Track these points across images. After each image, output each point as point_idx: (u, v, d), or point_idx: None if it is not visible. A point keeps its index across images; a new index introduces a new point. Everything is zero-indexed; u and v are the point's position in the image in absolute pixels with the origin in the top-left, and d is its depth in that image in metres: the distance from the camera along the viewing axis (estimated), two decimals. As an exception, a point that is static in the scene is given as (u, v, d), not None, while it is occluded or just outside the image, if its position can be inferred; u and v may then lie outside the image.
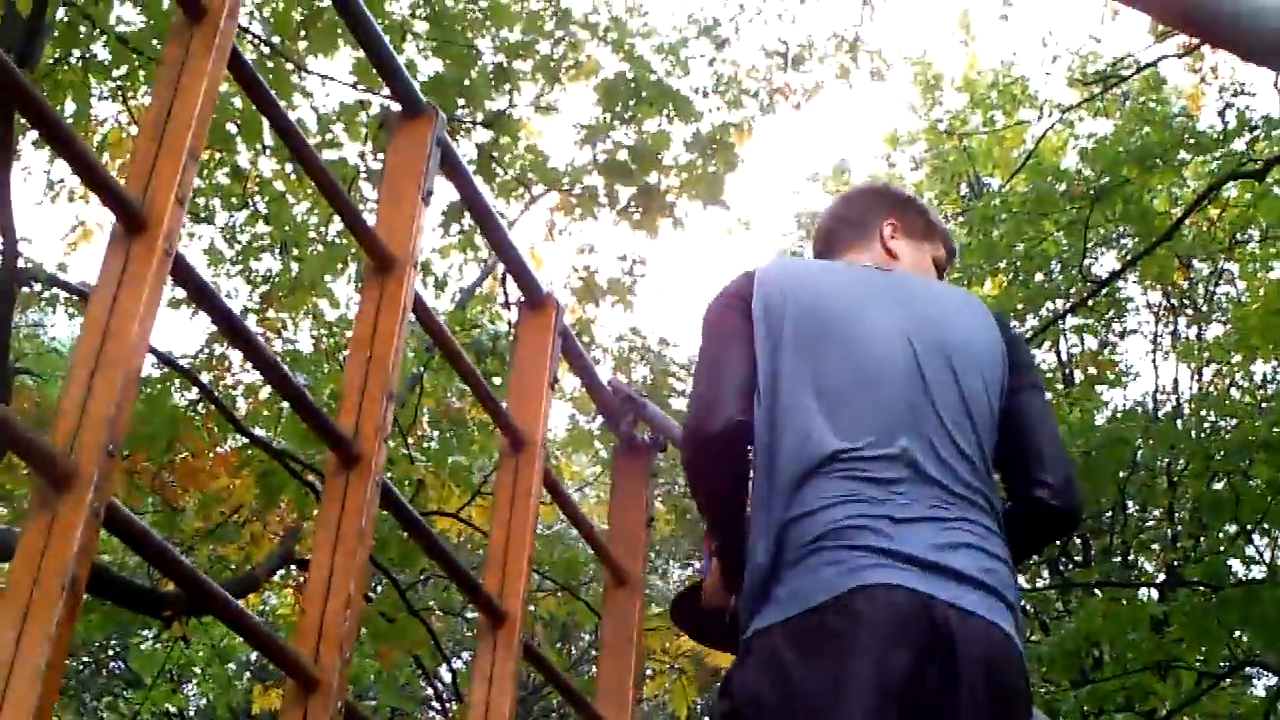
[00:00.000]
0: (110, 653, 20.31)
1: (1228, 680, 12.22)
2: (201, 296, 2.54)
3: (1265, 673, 12.75)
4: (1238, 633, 10.32)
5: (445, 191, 2.87)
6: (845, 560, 2.56)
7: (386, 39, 3.11)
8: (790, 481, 2.69)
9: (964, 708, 2.48)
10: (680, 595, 3.41)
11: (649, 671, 12.27)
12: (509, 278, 10.76)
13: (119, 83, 9.58)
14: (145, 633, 13.94)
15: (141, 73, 9.23)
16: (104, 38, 8.90)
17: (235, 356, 10.59)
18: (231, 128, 8.98)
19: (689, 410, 2.85)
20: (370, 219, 3.13)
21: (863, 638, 2.48)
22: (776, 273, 2.97)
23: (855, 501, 2.63)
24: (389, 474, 2.83)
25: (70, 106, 8.78)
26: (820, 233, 3.30)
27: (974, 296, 3.13)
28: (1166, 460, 12.33)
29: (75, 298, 10.06)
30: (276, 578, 11.92)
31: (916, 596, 2.52)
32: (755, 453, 2.79)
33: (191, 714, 20.07)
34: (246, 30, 8.33)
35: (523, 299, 3.80)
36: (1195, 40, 10.05)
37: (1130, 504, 13.49)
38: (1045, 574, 15.83)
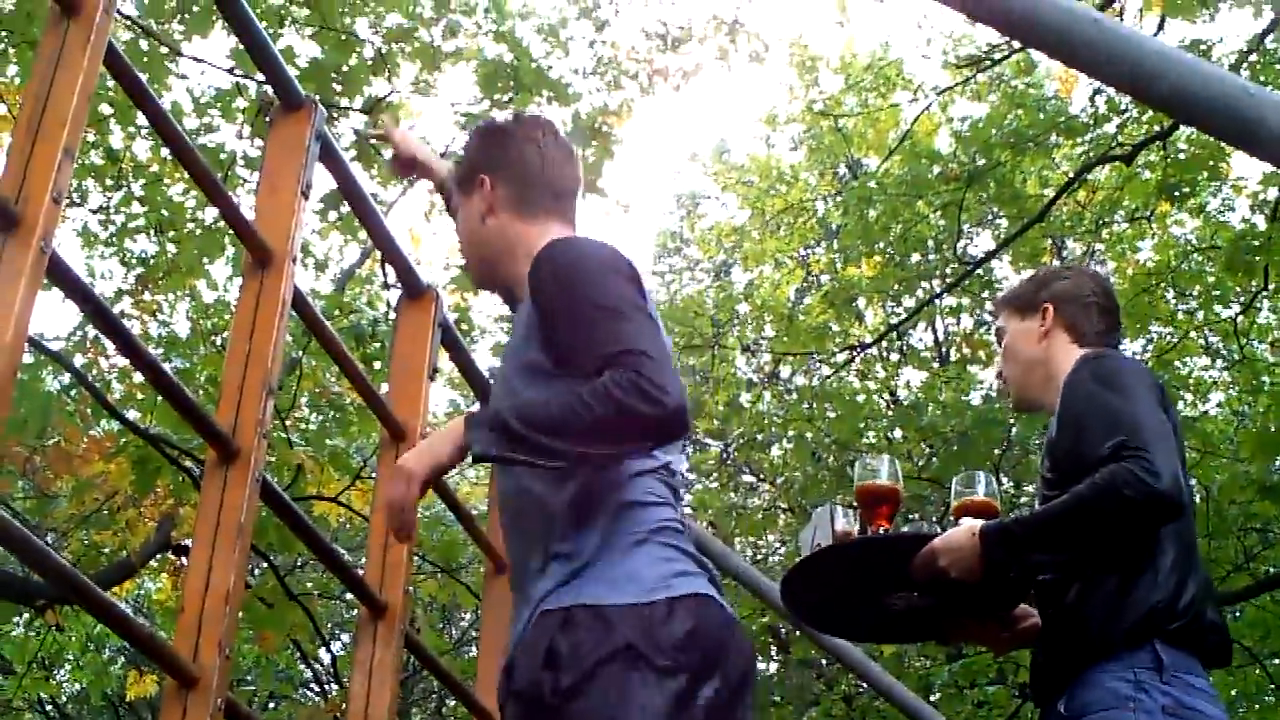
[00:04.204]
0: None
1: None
2: (77, 294, 2.53)
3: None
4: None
5: (325, 175, 2.88)
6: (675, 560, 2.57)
7: (264, 29, 3.10)
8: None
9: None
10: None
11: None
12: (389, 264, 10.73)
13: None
14: (16, 620, 13.70)
15: (11, 51, 9.06)
16: (-28, 15, 8.73)
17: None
18: (105, 108, 8.86)
19: (649, 376, 2.43)
20: (248, 204, 3.12)
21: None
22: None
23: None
24: (268, 458, 2.83)
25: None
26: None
27: None
28: (1039, 439, 12.53)
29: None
30: (153, 564, 11.79)
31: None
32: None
33: (65, 701, 19.78)
34: (120, 13, 8.21)
35: (402, 290, 3.81)
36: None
37: (1005, 480, 13.69)
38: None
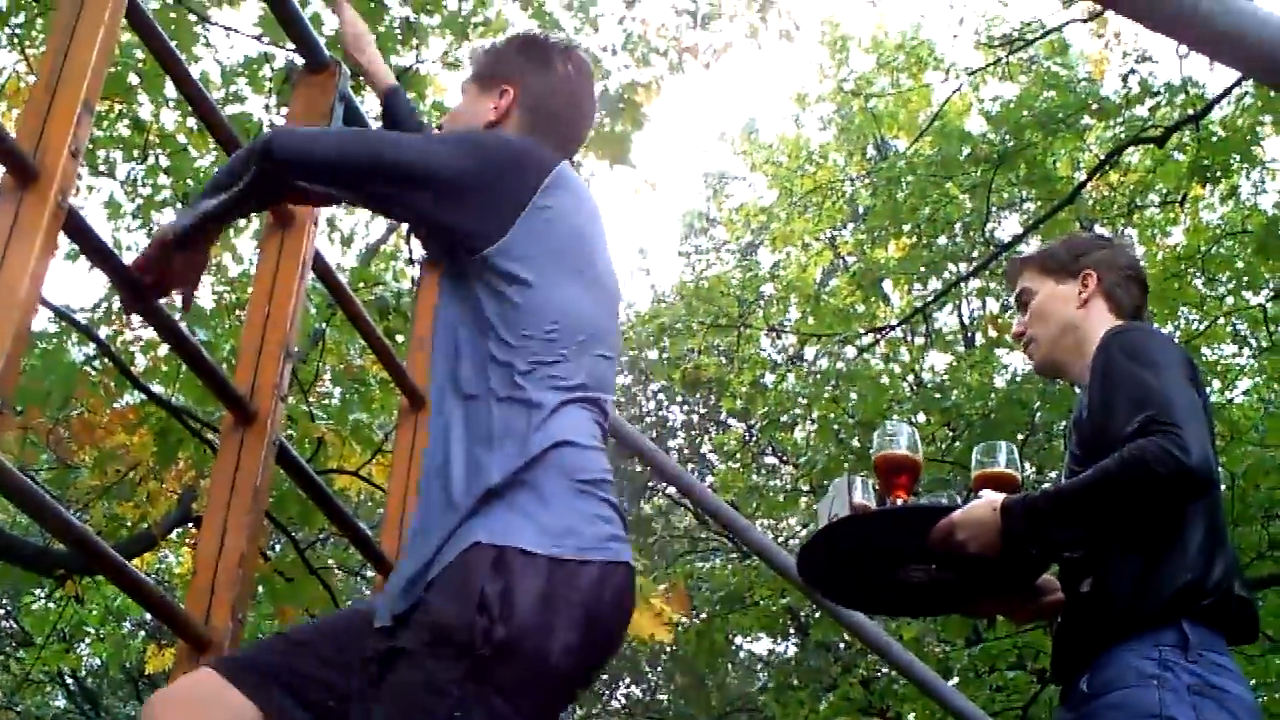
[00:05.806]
0: (1, 611, 20.03)
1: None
2: (95, 252, 2.50)
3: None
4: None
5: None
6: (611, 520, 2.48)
7: (290, -9, 3.06)
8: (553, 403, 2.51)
9: None
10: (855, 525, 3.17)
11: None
12: (413, 235, 10.72)
13: (15, 30, 9.38)
14: (38, 591, 13.75)
15: (39, 20, 9.04)
16: (1, -17, 8.72)
17: (133, 311, 10.39)
18: (133, 78, 8.83)
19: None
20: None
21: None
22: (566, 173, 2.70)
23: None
24: (289, 432, 2.80)
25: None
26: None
27: None
28: (1064, 423, 12.47)
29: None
30: (174, 536, 11.80)
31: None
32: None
33: (84, 674, 19.86)
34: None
35: (424, 258, 3.78)
36: (1100, 6, 10.09)
37: (1028, 465, 13.62)
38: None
